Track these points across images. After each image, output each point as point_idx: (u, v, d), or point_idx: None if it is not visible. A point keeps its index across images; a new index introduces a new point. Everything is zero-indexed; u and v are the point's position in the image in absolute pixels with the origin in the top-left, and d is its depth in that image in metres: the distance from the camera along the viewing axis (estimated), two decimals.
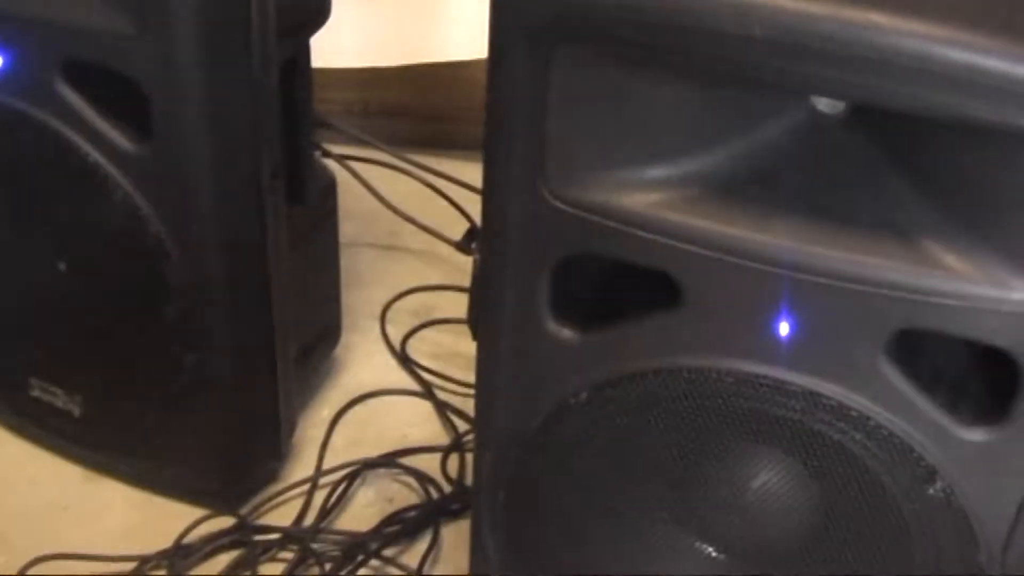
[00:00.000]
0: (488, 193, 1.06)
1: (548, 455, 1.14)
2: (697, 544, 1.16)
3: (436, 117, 2.14)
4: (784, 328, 1.00)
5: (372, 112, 2.11)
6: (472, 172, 1.74)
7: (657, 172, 1.01)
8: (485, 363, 1.15)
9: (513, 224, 1.05)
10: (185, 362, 1.42)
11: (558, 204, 1.02)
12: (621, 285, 1.07)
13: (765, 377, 1.02)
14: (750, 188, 1.01)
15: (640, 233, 1.00)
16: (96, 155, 1.32)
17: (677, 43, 0.94)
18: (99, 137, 1.31)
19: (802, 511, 1.10)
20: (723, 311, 1.01)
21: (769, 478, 1.10)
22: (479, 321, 1.13)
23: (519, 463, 1.15)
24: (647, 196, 1.01)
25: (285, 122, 1.38)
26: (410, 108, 2.14)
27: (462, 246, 1.65)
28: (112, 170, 1.32)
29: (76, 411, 1.54)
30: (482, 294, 1.12)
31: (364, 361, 1.74)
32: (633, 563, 1.17)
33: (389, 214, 1.81)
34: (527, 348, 1.10)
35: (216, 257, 1.36)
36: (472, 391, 1.60)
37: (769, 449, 1.07)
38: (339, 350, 1.71)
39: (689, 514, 1.14)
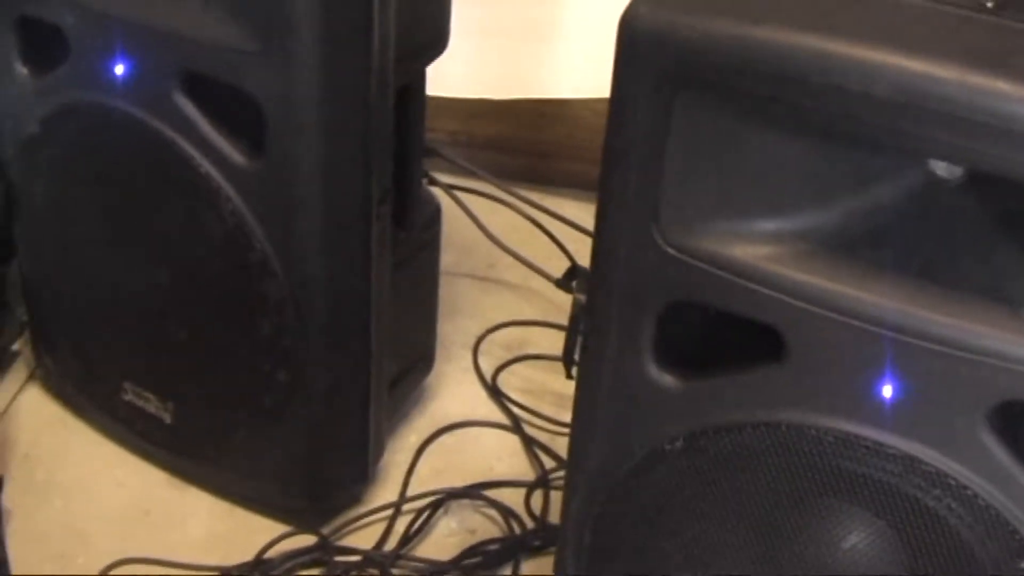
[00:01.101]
0: (600, 234, 1.06)
1: (638, 500, 1.13)
2: None
3: (538, 153, 2.15)
4: (887, 390, 0.99)
5: (476, 143, 2.11)
6: (571, 209, 1.77)
7: (769, 225, 1.01)
8: (582, 402, 1.15)
9: (622, 267, 1.05)
10: (279, 379, 1.43)
11: (669, 250, 1.02)
12: (724, 335, 1.06)
13: (864, 438, 1.01)
14: (861, 247, 1.00)
15: (749, 285, 1.00)
16: (208, 167, 1.33)
17: (798, 96, 0.94)
18: (212, 150, 1.33)
19: None
20: (826, 368, 1.00)
21: (859, 540, 1.08)
22: (580, 360, 1.13)
23: (608, 505, 1.15)
24: (758, 248, 1.00)
25: (397, 148, 1.39)
26: (513, 142, 2.14)
27: (562, 284, 1.65)
28: (223, 183, 1.33)
29: (167, 418, 1.55)
30: (585, 333, 1.11)
31: (454, 391, 1.74)
32: None
33: (487, 245, 1.81)
34: (626, 391, 1.10)
35: (319, 277, 1.37)
36: (561, 429, 1.62)
37: (861, 511, 1.06)
38: (430, 378, 1.71)
39: (774, 571, 1.13)
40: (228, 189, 1.33)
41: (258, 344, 1.41)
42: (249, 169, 1.32)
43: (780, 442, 1.04)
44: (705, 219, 1.01)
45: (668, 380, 1.08)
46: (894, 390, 0.99)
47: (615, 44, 0.99)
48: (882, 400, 1.00)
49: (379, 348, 1.46)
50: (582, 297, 1.61)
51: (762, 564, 1.13)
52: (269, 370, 1.43)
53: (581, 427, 1.16)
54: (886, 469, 1.01)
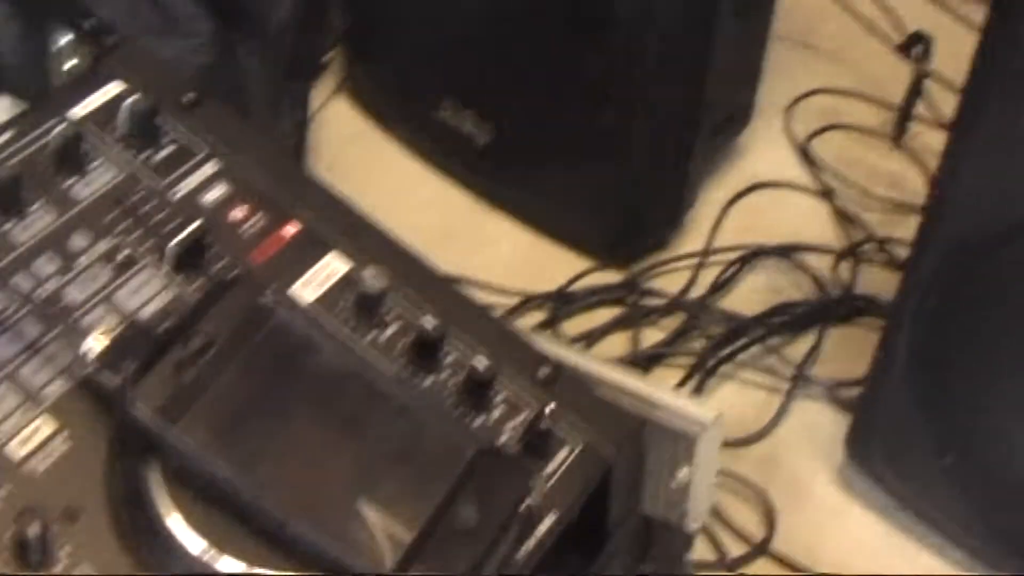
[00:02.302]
0: None
1: (998, 267, 1.08)
2: None
3: None
4: None
5: None
6: None
7: None
8: (952, 164, 1.09)
9: None
10: (610, 112, 1.39)
11: None
12: None
13: None
14: None
15: None
16: None
17: None
18: None
19: None
20: None
21: None
22: (956, 119, 1.07)
23: (964, 270, 1.10)
24: None
25: None
26: None
27: (903, 50, 1.60)
28: None
29: (482, 139, 1.53)
30: (968, 88, 1.05)
31: (765, 151, 1.69)
32: None
33: (807, 8, 1.75)
34: (1009, 151, 1.04)
35: (668, 9, 1.32)
36: (871, 201, 1.57)
37: None
38: (741, 137, 1.66)
39: None
40: None
41: (594, 74, 1.37)
42: None
43: None
44: None
45: None
46: None
47: None
48: None
49: (711, 93, 1.42)
50: (923, 67, 1.56)
51: None
52: (601, 102, 1.39)
53: (948, 189, 1.11)
54: None
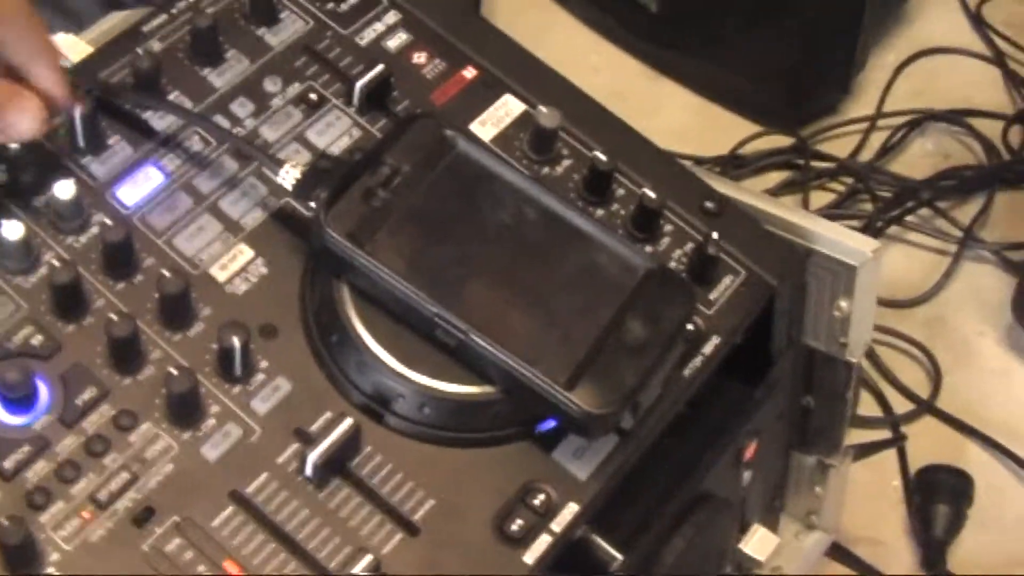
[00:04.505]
0: None
1: None
2: None
3: None
4: None
5: None
6: None
7: None
8: None
9: None
10: None
11: None
12: None
13: None
14: None
15: None
16: None
17: None
18: None
19: None
20: None
21: None
22: None
23: None
24: None
25: None
26: None
27: None
28: None
29: (653, 6, 1.55)
30: None
31: (936, 15, 1.67)
32: None
33: None
34: None
35: None
36: None
37: None
38: (912, 1, 1.66)
39: None
40: None
41: None
42: None
43: None
44: None
45: None
46: None
47: None
48: None
49: None
50: None
51: None
52: None
53: None
54: None
